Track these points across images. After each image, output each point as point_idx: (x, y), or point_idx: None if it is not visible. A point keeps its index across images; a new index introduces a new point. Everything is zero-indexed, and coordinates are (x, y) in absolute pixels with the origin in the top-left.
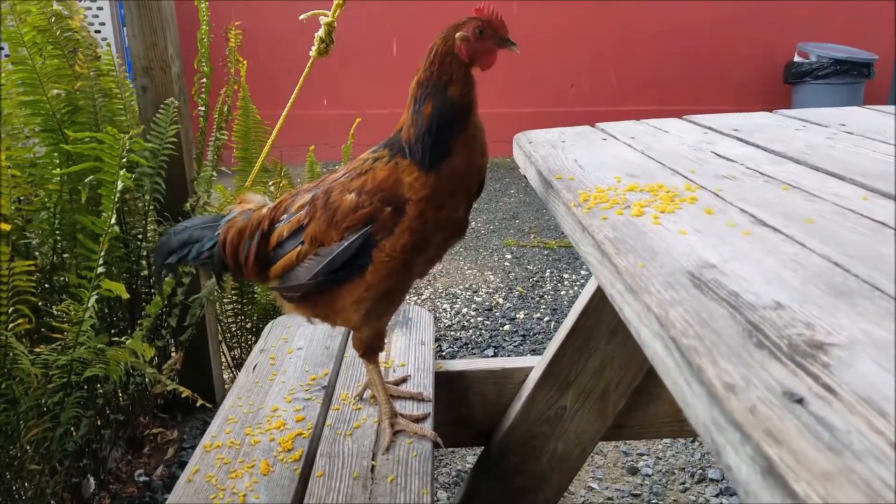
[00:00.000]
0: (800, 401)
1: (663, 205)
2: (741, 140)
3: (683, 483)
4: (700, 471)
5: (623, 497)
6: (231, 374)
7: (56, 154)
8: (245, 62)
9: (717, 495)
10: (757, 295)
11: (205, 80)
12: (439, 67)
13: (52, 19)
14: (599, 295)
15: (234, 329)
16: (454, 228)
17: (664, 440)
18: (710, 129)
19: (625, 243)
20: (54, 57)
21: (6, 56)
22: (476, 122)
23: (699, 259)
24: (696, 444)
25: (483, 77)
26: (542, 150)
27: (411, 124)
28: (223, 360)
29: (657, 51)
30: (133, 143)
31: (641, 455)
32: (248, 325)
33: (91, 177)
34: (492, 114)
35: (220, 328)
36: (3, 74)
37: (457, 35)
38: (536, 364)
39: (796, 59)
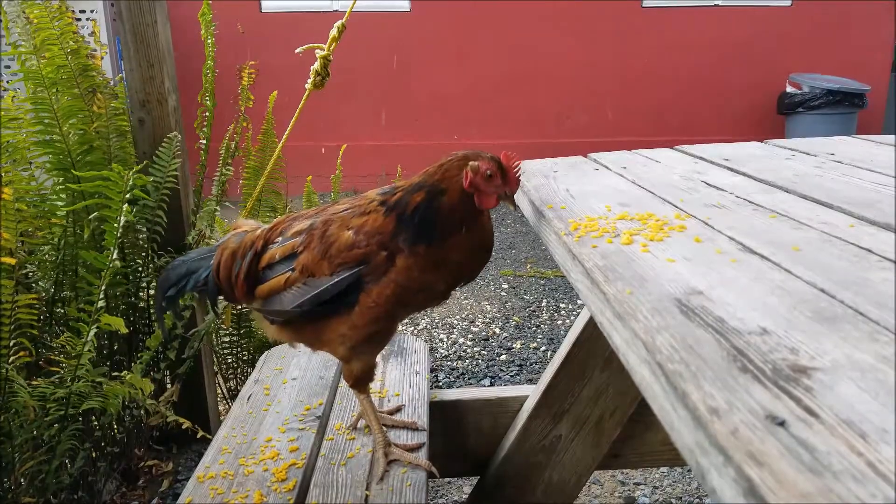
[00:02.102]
0: (782, 423)
1: (652, 233)
2: (731, 169)
3: None
4: (697, 500)
5: None
6: (226, 406)
7: (62, 189)
8: (272, 95)
9: None
10: (742, 321)
11: (207, 113)
12: (441, 176)
13: (69, 57)
14: (593, 324)
15: (229, 361)
16: (435, 296)
17: (661, 469)
18: (700, 158)
19: (614, 271)
20: (70, 96)
21: (5, 88)
22: (477, 226)
23: (686, 286)
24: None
25: (477, 107)
26: (535, 180)
27: (404, 195)
28: (219, 391)
29: (652, 83)
30: (136, 178)
31: (638, 484)
32: (245, 357)
33: (95, 213)
34: (487, 145)
35: (215, 360)
36: (7, 110)
37: (470, 162)
38: (531, 393)
39: (789, 89)
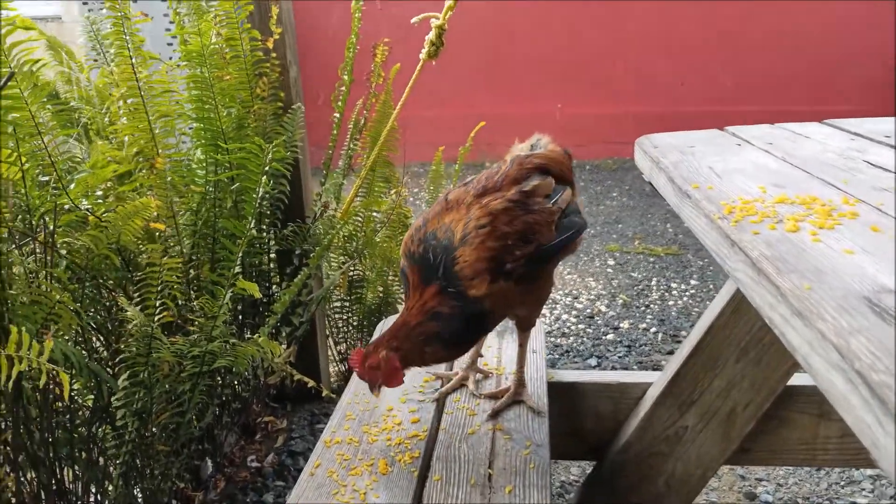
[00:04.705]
0: None
1: (821, 220)
2: None
3: None
4: (827, 501)
5: None
6: (336, 368)
7: (204, 160)
8: (395, 67)
9: None
10: None
11: (344, 88)
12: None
13: (241, 33)
14: (730, 311)
15: (340, 325)
16: None
17: (786, 466)
18: (857, 134)
19: (785, 262)
20: (236, 76)
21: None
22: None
23: (874, 282)
24: (823, 472)
25: (582, 74)
26: (671, 155)
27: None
28: (329, 354)
29: (776, 46)
30: (275, 152)
31: (760, 480)
32: (354, 322)
33: (237, 184)
34: (590, 114)
35: (327, 324)
36: (162, 82)
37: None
38: (655, 380)
39: None
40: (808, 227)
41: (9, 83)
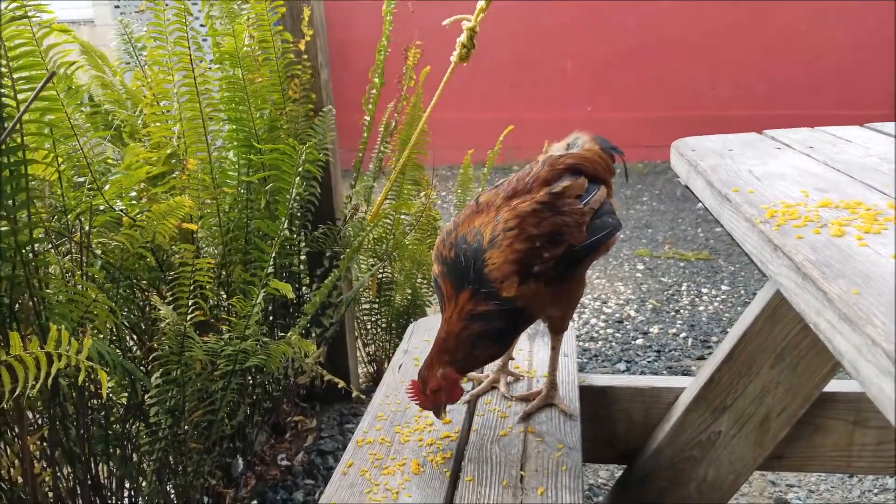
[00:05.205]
0: None
1: (866, 224)
2: None
3: None
4: None
5: None
6: (365, 369)
7: (235, 160)
8: (425, 70)
9: None
10: None
11: (375, 91)
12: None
13: (273, 35)
14: (766, 316)
15: (368, 327)
16: None
17: (818, 473)
18: None
19: (831, 267)
20: (269, 77)
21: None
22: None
23: None
24: (856, 479)
25: (610, 78)
26: (710, 159)
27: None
28: (359, 355)
29: (806, 49)
30: (309, 153)
31: (791, 486)
32: (383, 324)
33: (271, 185)
34: (619, 118)
35: (356, 325)
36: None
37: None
38: (689, 385)
39: None
40: (853, 232)
41: (46, 85)
